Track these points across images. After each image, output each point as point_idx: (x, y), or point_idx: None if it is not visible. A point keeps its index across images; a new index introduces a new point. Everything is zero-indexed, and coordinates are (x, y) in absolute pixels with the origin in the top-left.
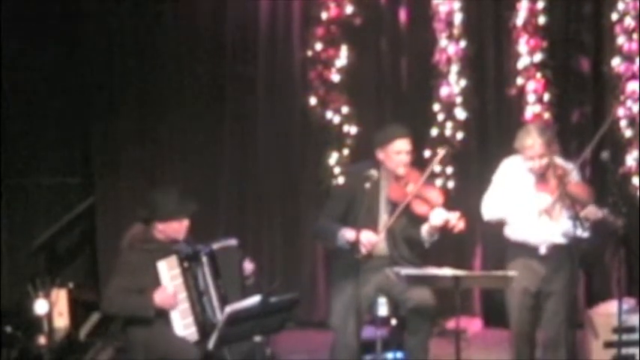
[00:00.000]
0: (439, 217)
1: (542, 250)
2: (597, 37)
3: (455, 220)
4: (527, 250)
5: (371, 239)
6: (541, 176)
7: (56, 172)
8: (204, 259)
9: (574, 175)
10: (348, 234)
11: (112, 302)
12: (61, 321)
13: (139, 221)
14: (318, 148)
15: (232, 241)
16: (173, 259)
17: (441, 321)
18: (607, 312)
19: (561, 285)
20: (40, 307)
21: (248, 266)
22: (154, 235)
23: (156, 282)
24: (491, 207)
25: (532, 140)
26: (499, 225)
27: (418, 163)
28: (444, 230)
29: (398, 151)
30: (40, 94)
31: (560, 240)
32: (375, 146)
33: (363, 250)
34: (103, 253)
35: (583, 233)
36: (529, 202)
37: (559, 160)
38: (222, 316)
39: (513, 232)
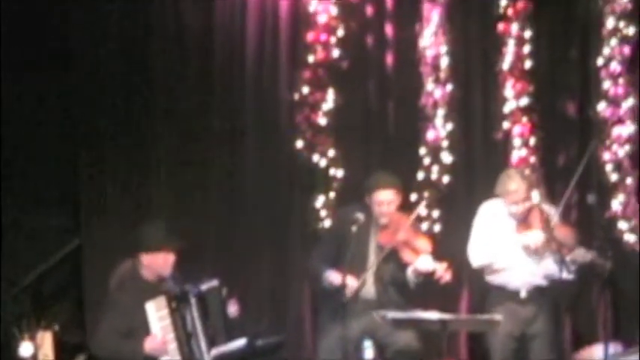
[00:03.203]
0: (425, 264)
1: (523, 294)
2: (583, 81)
3: (442, 271)
4: (508, 294)
5: (351, 285)
6: (522, 220)
7: (43, 212)
8: (193, 300)
9: (556, 219)
10: (331, 277)
11: (101, 346)
12: None
13: (127, 256)
14: (304, 191)
15: (214, 282)
16: (162, 300)
17: None
18: (593, 356)
19: (545, 326)
20: (25, 349)
21: (232, 308)
22: (142, 274)
23: (145, 322)
24: (478, 253)
25: (516, 185)
26: (483, 271)
27: (405, 206)
28: (430, 277)
29: (379, 202)
30: (28, 133)
31: (542, 282)
32: (364, 191)
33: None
34: (89, 295)
35: (568, 275)
36: (511, 246)
37: (545, 205)
38: (209, 358)
39: (494, 277)
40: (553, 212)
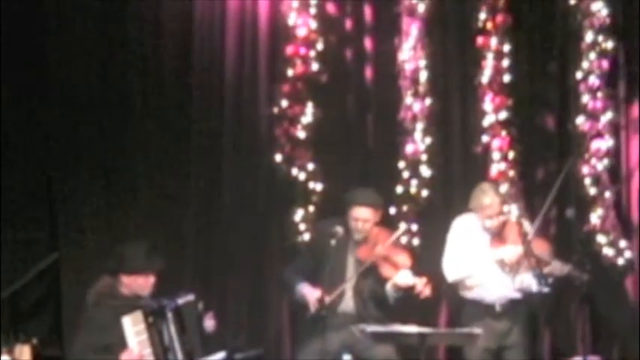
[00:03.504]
0: (405, 279)
1: (497, 308)
2: (562, 95)
3: (421, 286)
4: (483, 308)
5: (317, 298)
6: (497, 234)
7: (21, 226)
8: (170, 314)
9: (532, 234)
10: (304, 290)
11: None
12: None
13: (106, 273)
14: (283, 205)
15: (190, 296)
16: (138, 315)
17: None
18: None
19: (519, 338)
20: None
21: (209, 322)
22: (120, 290)
23: (122, 338)
24: (452, 268)
25: (490, 199)
26: (458, 286)
27: (383, 220)
28: (410, 292)
29: (355, 218)
30: (4, 146)
31: (515, 295)
32: (343, 206)
33: (312, 309)
34: (68, 309)
35: (543, 288)
36: (485, 261)
37: (521, 219)
38: None
39: (469, 291)
40: (529, 227)
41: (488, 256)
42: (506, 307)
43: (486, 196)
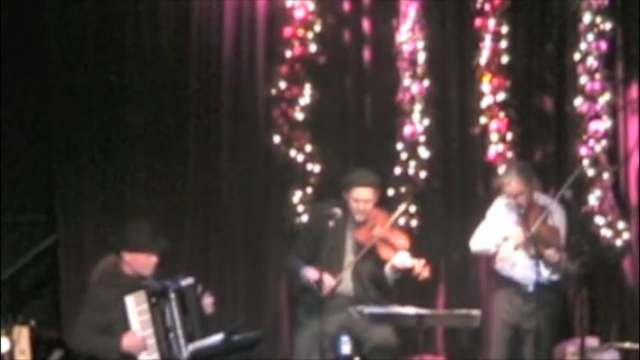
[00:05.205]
0: (403, 260)
1: (531, 288)
2: (560, 76)
3: (419, 267)
4: (513, 284)
5: (329, 283)
6: (522, 215)
7: (19, 209)
8: (172, 295)
9: (556, 214)
10: (309, 273)
11: (80, 340)
12: (23, 359)
13: (108, 250)
14: (281, 186)
15: (190, 279)
16: (141, 295)
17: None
18: (571, 350)
19: (543, 322)
20: (2, 345)
21: (207, 300)
22: (123, 270)
23: (124, 317)
24: (477, 240)
25: (509, 178)
26: (489, 258)
27: (382, 201)
28: (408, 273)
29: (355, 199)
30: (2, 130)
31: (543, 279)
32: (341, 187)
33: (322, 293)
34: (66, 291)
35: (552, 276)
36: (511, 239)
37: (541, 199)
38: (186, 353)
39: (502, 268)
40: (554, 207)
41: (512, 235)
42: (536, 288)
43: (507, 175)
